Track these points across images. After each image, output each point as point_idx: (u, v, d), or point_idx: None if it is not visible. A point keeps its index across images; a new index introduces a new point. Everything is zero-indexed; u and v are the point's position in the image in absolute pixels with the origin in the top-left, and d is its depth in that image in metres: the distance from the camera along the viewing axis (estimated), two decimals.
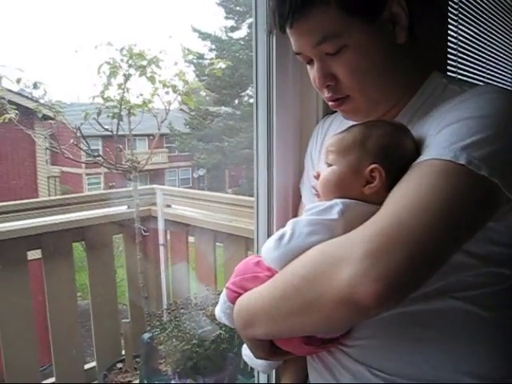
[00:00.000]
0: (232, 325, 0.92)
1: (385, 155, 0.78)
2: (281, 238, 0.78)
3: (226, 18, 8.83)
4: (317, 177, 0.86)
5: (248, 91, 8.79)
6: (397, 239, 0.65)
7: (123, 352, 2.82)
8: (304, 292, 0.71)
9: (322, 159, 1.07)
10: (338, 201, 0.77)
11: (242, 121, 9.03)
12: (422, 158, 0.73)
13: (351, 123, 1.00)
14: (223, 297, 0.91)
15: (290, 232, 0.77)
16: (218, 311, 0.93)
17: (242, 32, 8.67)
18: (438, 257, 0.68)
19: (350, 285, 0.65)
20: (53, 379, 2.58)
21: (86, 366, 2.76)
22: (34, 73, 2.63)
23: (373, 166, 0.77)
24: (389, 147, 0.79)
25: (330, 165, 0.83)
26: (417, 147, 0.78)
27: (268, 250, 0.80)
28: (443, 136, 0.72)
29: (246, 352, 0.96)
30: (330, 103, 0.89)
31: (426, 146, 0.75)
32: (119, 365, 2.76)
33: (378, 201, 0.74)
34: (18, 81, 2.46)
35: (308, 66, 0.90)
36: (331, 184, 0.82)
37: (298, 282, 0.72)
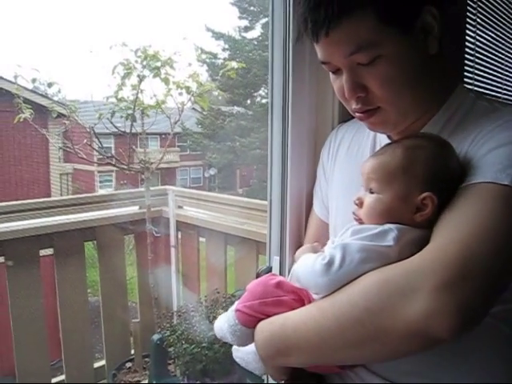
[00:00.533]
0: (239, 345, 0.90)
1: (435, 181, 0.75)
2: (330, 263, 0.73)
3: (240, 17, 8.84)
4: (359, 204, 0.82)
5: (260, 91, 8.80)
6: (469, 269, 0.63)
7: (132, 352, 2.82)
8: (367, 324, 0.68)
9: (335, 169, 1.06)
10: (392, 226, 0.74)
11: (254, 121, 9.03)
12: (474, 180, 0.71)
13: (366, 133, 0.99)
14: (232, 319, 0.86)
15: (341, 257, 0.73)
16: (224, 331, 0.89)
17: (256, 32, 8.67)
18: (505, 283, 0.67)
19: (424, 318, 0.62)
20: (63, 376, 2.60)
21: (96, 365, 2.77)
22: (49, 72, 2.64)
23: (425, 194, 0.74)
24: (438, 171, 0.75)
25: (372, 192, 0.80)
26: (459, 164, 0.76)
27: (313, 276, 0.76)
28: (495, 158, 0.71)
29: (238, 354, 0.94)
30: (358, 115, 0.86)
31: (475, 166, 0.73)
32: (128, 364, 2.77)
33: (426, 225, 0.73)
34: (34, 80, 2.48)
35: (332, 76, 0.87)
36: (378, 214, 0.78)
37: (359, 313, 0.68)
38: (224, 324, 0.88)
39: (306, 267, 0.78)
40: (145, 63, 2.55)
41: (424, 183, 0.75)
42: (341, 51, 0.79)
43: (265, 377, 1.23)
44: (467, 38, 1.81)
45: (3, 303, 2.38)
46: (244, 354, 0.92)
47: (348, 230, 0.79)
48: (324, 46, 0.81)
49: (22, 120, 2.42)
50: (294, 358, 0.78)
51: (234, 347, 0.94)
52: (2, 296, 2.37)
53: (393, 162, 0.78)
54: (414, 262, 0.67)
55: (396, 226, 0.74)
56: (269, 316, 0.83)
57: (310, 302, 0.82)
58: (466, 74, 1.83)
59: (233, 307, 0.89)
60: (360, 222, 0.83)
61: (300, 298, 0.83)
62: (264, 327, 0.83)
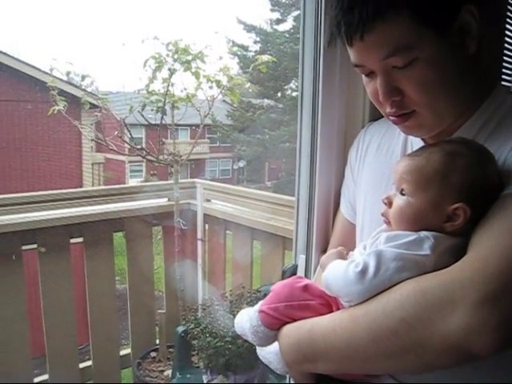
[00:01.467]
0: (259, 345, 0.89)
1: (470, 191, 0.72)
2: (364, 271, 0.71)
3: (272, 10, 8.78)
4: (388, 204, 0.80)
5: (291, 84, 8.74)
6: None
7: (157, 341, 2.87)
8: (402, 335, 0.66)
9: (364, 170, 1.04)
10: (429, 234, 0.72)
11: (284, 114, 8.99)
12: None
13: (397, 133, 0.96)
14: (255, 319, 0.85)
15: (375, 266, 0.71)
16: (245, 330, 0.87)
17: (287, 25, 8.60)
18: None
19: (463, 333, 0.61)
20: (90, 362, 2.66)
21: (122, 352, 2.83)
22: (83, 65, 2.69)
23: (458, 205, 0.72)
24: (475, 182, 0.72)
25: (403, 193, 0.77)
26: (498, 172, 0.73)
27: (346, 284, 0.74)
28: None
29: (261, 352, 0.92)
30: (392, 118, 0.83)
31: None
32: (153, 354, 2.82)
33: (457, 233, 0.71)
34: (68, 73, 2.53)
35: (366, 79, 0.84)
36: (407, 217, 0.76)
37: (394, 324, 0.66)
38: (246, 323, 0.87)
39: (338, 275, 0.76)
40: (176, 57, 2.56)
41: (459, 192, 0.72)
42: (376, 55, 0.77)
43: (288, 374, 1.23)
44: (508, 33, 1.75)
45: (35, 288, 2.45)
46: (266, 353, 0.92)
47: (381, 235, 0.77)
48: (358, 49, 0.78)
49: (55, 112, 2.48)
50: (321, 365, 0.77)
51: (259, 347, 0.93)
52: (34, 281, 2.44)
53: (430, 167, 0.75)
54: (453, 273, 0.65)
55: (432, 234, 0.72)
56: (294, 320, 0.82)
57: (338, 307, 0.81)
58: (505, 72, 1.77)
59: (256, 307, 0.88)
60: (388, 224, 0.81)
61: (328, 303, 0.82)
62: (290, 332, 0.81)
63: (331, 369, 0.78)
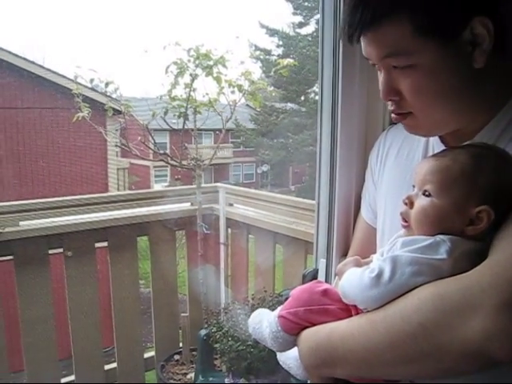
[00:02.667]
0: (278, 351, 0.89)
1: (496, 195, 0.71)
2: (379, 276, 0.71)
3: (294, 13, 8.78)
4: (409, 204, 0.78)
5: (314, 88, 8.71)
6: None
7: (181, 345, 2.89)
8: (420, 340, 0.65)
9: (384, 173, 1.03)
10: (445, 238, 0.71)
11: (307, 118, 8.96)
12: None
13: (418, 137, 0.95)
14: (275, 325, 0.85)
15: (391, 270, 0.70)
16: (265, 336, 0.87)
17: (310, 28, 8.58)
18: None
19: (482, 338, 0.60)
20: (115, 364, 2.70)
21: (146, 355, 2.86)
22: (106, 71, 2.74)
23: (482, 207, 0.70)
24: (501, 186, 0.71)
25: (427, 194, 0.76)
26: None
27: (361, 289, 0.73)
28: None
29: (281, 358, 0.93)
30: (393, 115, 0.85)
31: None
32: (176, 356, 2.84)
33: (478, 237, 0.70)
34: (92, 81, 2.58)
35: (378, 72, 0.85)
36: (429, 219, 0.74)
37: (412, 329, 0.66)
38: (266, 329, 0.87)
39: (353, 281, 0.75)
40: (197, 62, 2.59)
41: (484, 195, 0.71)
42: (375, 53, 0.79)
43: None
44: None
45: (61, 291, 2.50)
46: (286, 359, 0.92)
47: (397, 241, 0.76)
48: (363, 44, 0.81)
49: (80, 119, 2.53)
50: (340, 369, 0.77)
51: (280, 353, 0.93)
52: (61, 284, 2.49)
53: (457, 168, 0.73)
54: (472, 278, 0.64)
55: (449, 238, 0.71)
56: (313, 324, 0.82)
57: (357, 312, 0.80)
58: None
59: (275, 313, 0.88)
60: (407, 226, 0.79)
61: (347, 308, 0.81)
62: (309, 336, 0.81)
63: (349, 373, 0.78)
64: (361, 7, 0.75)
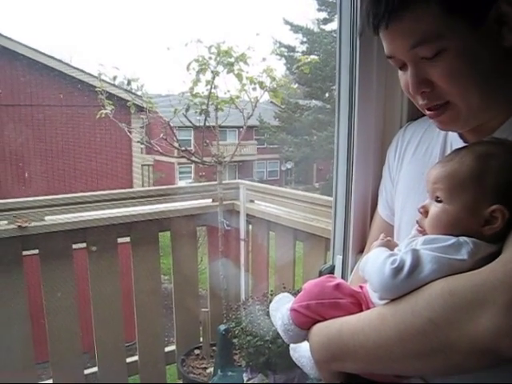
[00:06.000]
0: (289, 343, 0.90)
1: (506, 193, 0.70)
2: (399, 269, 0.71)
3: (319, 9, 8.74)
4: (423, 213, 0.79)
5: None
6: None
7: (201, 339, 2.91)
8: (430, 336, 0.65)
9: (402, 169, 1.02)
10: (468, 240, 0.71)
11: (331, 115, 8.91)
12: None
13: (436, 133, 0.94)
14: (286, 318, 0.86)
15: (412, 265, 0.70)
16: (277, 328, 0.89)
17: (335, 24, 8.51)
18: None
19: (493, 335, 0.60)
20: (136, 357, 2.75)
21: (167, 349, 2.90)
22: (130, 69, 2.79)
23: (494, 207, 0.70)
24: (510, 184, 0.71)
25: (438, 200, 0.76)
26: None
27: (380, 277, 0.74)
28: None
29: (294, 355, 0.93)
30: (428, 112, 0.83)
31: None
32: (197, 351, 2.86)
33: (495, 238, 0.70)
34: (115, 78, 2.63)
35: (400, 72, 0.85)
36: (444, 225, 0.75)
37: (422, 324, 0.66)
38: (278, 321, 0.89)
39: (375, 266, 0.76)
40: (218, 59, 2.60)
41: (495, 195, 0.71)
42: (403, 43, 0.77)
43: None
44: None
45: (85, 286, 2.56)
46: (299, 357, 0.93)
47: (417, 238, 0.77)
48: (387, 39, 0.79)
49: (103, 116, 2.58)
50: (350, 364, 0.77)
51: (292, 346, 0.94)
52: (84, 278, 2.55)
53: (462, 171, 0.74)
54: (484, 275, 0.63)
55: (472, 240, 0.70)
56: (325, 318, 0.83)
57: (367, 306, 0.81)
58: None
59: (288, 305, 0.89)
60: (422, 232, 0.79)
61: (358, 302, 0.82)
62: (320, 330, 0.82)
63: (360, 368, 0.78)
64: None
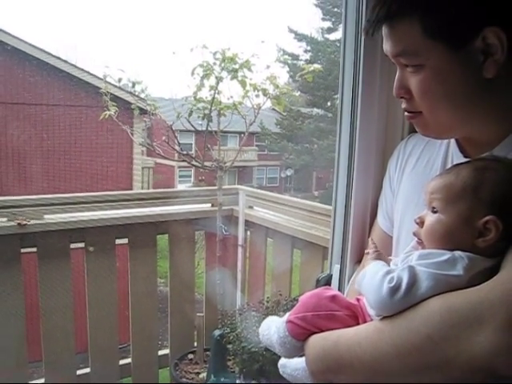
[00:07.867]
0: (286, 357, 0.88)
1: (501, 206, 0.71)
2: (397, 287, 0.71)
3: (323, 19, 8.78)
4: (420, 224, 0.80)
5: None
6: None
7: (195, 344, 2.91)
8: (427, 353, 0.65)
9: (403, 181, 1.03)
10: (463, 254, 0.71)
11: (333, 123, 8.94)
12: None
13: (437, 146, 0.95)
14: (282, 330, 0.85)
15: (409, 283, 0.70)
16: (273, 342, 0.87)
17: (339, 33, 8.57)
18: None
19: (490, 354, 0.60)
20: (129, 359, 2.74)
21: (160, 353, 2.88)
22: (135, 72, 2.80)
23: (488, 218, 0.70)
24: (506, 197, 0.71)
25: (434, 211, 0.77)
26: None
27: (377, 295, 0.73)
28: None
29: (285, 370, 0.90)
30: (405, 114, 0.87)
31: None
32: (190, 356, 2.85)
33: (491, 252, 0.70)
34: (120, 80, 2.64)
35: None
36: (438, 235, 0.75)
37: (419, 341, 0.66)
38: (274, 335, 0.88)
39: (373, 283, 0.75)
40: (223, 65, 2.61)
41: (489, 206, 0.71)
42: (390, 49, 0.82)
43: None
44: None
45: (81, 286, 2.55)
46: (292, 371, 0.90)
47: (412, 253, 0.77)
48: (384, 39, 0.84)
49: (107, 117, 2.58)
50: (346, 376, 0.77)
51: (281, 363, 0.92)
52: (80, 278, 2.54)
53: (458, 182, 0.75)
54: (482, 292, 0.63)
55: (466, 255, 0.71)
56: (321, 330, 0.82)
57: (364, 319, 0.81)
58: None
59: (283, 318, 0.88)
60: (421, 244, 0.80)
61: (354, 315, 0.82)
62: (316, 342, 0.82)
63: (355, 381, 0.78)
64: (379, 5, 0.79)
